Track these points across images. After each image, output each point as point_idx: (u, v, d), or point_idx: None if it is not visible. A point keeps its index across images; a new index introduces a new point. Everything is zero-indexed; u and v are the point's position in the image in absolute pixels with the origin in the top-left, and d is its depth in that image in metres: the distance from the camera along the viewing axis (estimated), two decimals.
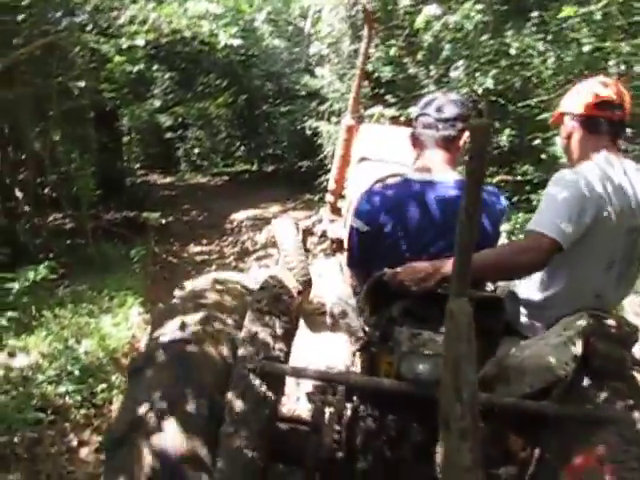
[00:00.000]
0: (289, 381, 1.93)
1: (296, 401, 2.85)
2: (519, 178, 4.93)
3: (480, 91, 4.76)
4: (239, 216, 9.33)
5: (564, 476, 1.24)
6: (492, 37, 4.91)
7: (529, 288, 1.75)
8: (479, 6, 4.57)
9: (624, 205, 1.59)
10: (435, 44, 5.59)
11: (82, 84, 4.62)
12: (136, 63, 4.75)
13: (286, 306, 1.63)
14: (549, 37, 4.83)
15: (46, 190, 5.76)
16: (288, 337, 1.59)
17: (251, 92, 11.85)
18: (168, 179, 14.82)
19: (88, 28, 4.50)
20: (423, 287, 1.43)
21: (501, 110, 5.21)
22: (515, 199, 4.87)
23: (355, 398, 1.54)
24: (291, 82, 8.78)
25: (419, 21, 4.88)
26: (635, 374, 1.42)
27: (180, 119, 15.35)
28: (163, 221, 5.28)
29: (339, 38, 7.09)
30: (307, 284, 2.46)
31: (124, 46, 4.41)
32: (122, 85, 6.07)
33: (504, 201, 1.70)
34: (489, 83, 4.68)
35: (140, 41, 4.40)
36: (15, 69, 4.99)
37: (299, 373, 1.47)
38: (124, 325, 3.78)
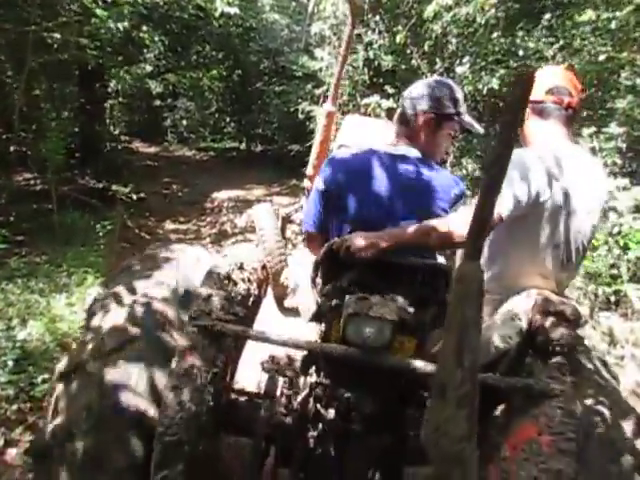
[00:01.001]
0: (253, 365, 1.79)
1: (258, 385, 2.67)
2: None
3: (485, 91, 4.52)
4: (221, 195, 8.99)
5: (505, 449, 1.26)
6: (502, 35, 4.66)
7: None
8: (493, 0, 4.31)
9: (568, 189, 1.60)
10: (442, 36, 5.33)
11: (58, 36, 4.21)
12: (121, 20, 4.35)
13: (248, 275, 1.63)
14: (560, 42, 4.60)
15: (13, 148, 5.31)
16: (247, 303, 1.58)
17: (246, 67, 11.41)
18: (152, 149, 14.30)
19: None
20: (368, 254, 1.47)
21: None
22: None
23: (309, 368, 1.55)
24: (288, 61, 8.39)
25: (429, 10, 4.59)
26: (578, 352, 1.44)
27: (171, 88, 14.85)
28: (134, 196, 4.89)
29: (342, 20, 6.75)
30: (280, 267, 2.46)
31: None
32: (107, 43, 5.63)
33: (462, 187, 1.73)
34: (494, 83, 4.45)
35: None
36: None
37: (248, 334, 1.43)
38: (79, 306, 3.45)
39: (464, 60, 4.83)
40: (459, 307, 0.93)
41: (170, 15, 7.91)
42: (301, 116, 7.41)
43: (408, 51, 5.69)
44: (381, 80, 6.69)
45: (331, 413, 1.44)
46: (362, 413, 1.42)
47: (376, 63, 6.48)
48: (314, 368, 1.52)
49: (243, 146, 13.32)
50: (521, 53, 4.79)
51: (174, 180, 10.34)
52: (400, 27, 5.45)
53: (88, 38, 5.27)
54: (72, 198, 5.56)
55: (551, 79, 1.72)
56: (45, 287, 3.73)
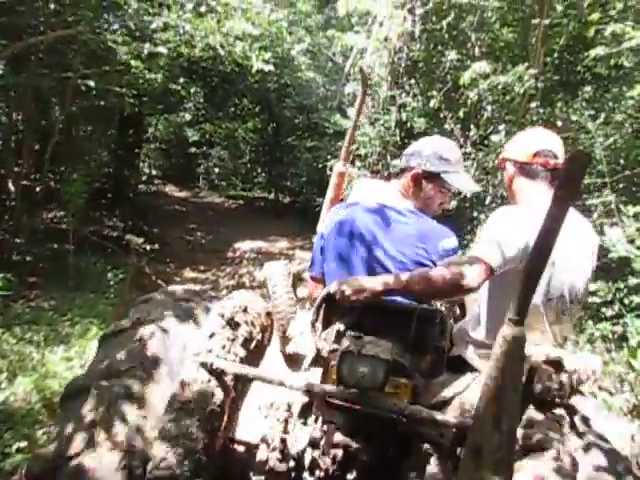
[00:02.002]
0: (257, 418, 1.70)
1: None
2: None
3: None
4: (244, 246, 8.89)
5: None
6: (541, 105, 4.51)
7: (474, 327, 1.80)
8: (532, 71, 4.18)
9: (558, 244, 1.59)
10: (477, 103, 5.23)
11: (91, 84, 4.29)
12: (156, 71, 4.42)
13: (251, 318, 1.67)
14: (602, 115, 4.41)
15: (39, 188, 5.35)
16: (249, 346, 1.61)
17: (281, 121, 11.68)
18: (183, 193, 14.58)
19: (114, 27, 4.19)
20: (362, 298, 1.53)
21: None
22: None
23: (307, 414, 1.55)
24: (321, 118, 8.49)
25: (466, 77, 4.51)
26: (575, 402, 1.43)
27: (207, 136, 15.33)
28: (148, 247, 4.78)
29: (377, 82, 6.80)
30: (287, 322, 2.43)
31: (145, 52, 4.08)
32: (144, 93, 5.76)
33: (453, 241, 1.76)
34: None
35: (162, 49, 4.07)
36: (34, 57, 4.69)
37: (246, 373, 1.48)
38: (77, 362, 3.24)
39: (500, 128, 4.69)
40: (499, 371, 0.92)
41: (210, 69, 8.17)
42: (329, 172, 7.35)
43: (442, 115, 5.60)
44: (412, 142, 6.61)
45: (327, 461, 1.44)
46: (359, 461, 1.42)
47: (408, 125, 6.43)
48: (312, 415, 1.53)
49: (272, 196, 13.43)
50: (560, 124, 4.61)
51: (199, 226, 10.36)
52: (435, 92, 5.39)
53: (127, 87, 5.40)
54: (91, 241, 5.50)
55: (538, 142, 1.78)
56: (45, 337, 3.57)
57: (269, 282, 2.60)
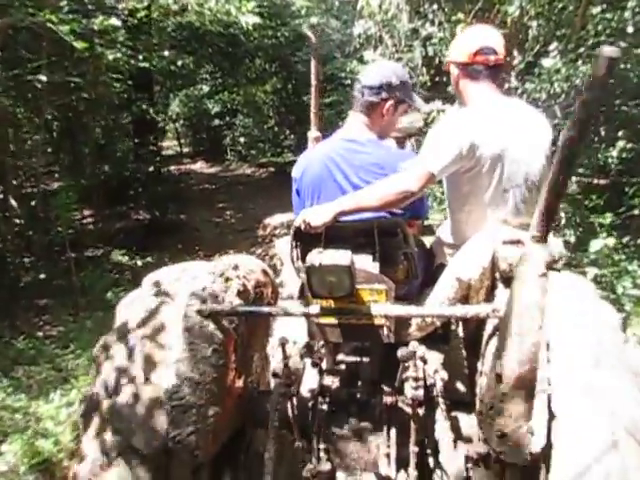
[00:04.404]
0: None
1: None
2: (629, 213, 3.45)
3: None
4: (274, 221, 8.31)
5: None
6: (607, 9, 3.42)
7: (445, 231, 1.97)
8: None
9: (507, 137, 1.70)
10: (518, 20, 4.15)
11: (44, 78, 3.67)
12: (112, 47, 3.72)
13: (243, 274, 1.67)
14: None
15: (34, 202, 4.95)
16: (245, 298, 1.62)
17: (299, 78, 10.74)
18: (213, 169, 14.19)
19: (62, 4, 3.50)
20: (322, 223, 1.64)
21: (611, 115, 3.70)
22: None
23: (312, 348, 1.70)
24: (335, 68, 7.52)
25: None
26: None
27: (228, 106, 14.61)
28: (140, 262, 4.29)
29: (394, 15, 5.77)
30: None
31: (95, 27, 3.39)
32: (128, 76, 5.11)
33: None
34: None
35: (115, 20, 3.36)
36: None
37: (236, 311, 1.55)
38: (78, 408, 2.81)
39: (550, 48, 3.66)
40: (521, 288, 0.94)
41: (204, 34, 7.31)
42: None
43: None
44: (444, 79, 5.64)
45: (333, 380, 1.59)
46: (363, 375, 1.61)
47: (437, 60, 5.45)
48: (312, 343, 1.67)
49: None
50: (630, 30, 3.51)
51: (228, 205, 9.92)
52: (461, 15, 4.35)
53: (107, 72, 4.77)
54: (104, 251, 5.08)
55: (476, 41, 1.80)
56: (45, 379, 3.18)
57: (278, 261, 2.70)
